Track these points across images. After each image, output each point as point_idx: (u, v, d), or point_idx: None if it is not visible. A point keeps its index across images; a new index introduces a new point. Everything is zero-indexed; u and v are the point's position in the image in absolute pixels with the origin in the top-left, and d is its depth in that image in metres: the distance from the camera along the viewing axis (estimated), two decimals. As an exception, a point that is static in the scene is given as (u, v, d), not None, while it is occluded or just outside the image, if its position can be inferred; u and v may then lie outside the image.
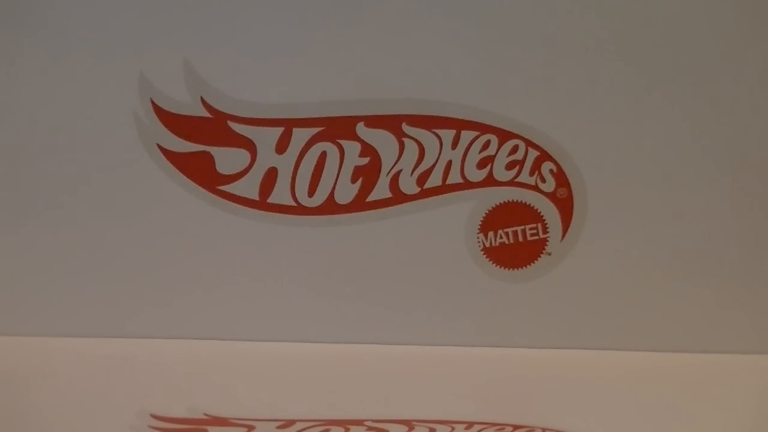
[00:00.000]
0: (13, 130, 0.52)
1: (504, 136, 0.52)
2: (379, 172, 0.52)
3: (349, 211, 0.53)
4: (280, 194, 0.53)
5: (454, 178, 0.53)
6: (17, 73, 0.51)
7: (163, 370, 0.53)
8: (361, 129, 0.52)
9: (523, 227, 0.54)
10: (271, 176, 0.52)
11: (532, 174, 0.52)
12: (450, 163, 0.52)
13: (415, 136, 0.52)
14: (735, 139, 0.52)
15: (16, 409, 0.49)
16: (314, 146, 0.52)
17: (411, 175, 0.53)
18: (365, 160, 0.52)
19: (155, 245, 0.54)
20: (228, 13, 0.50)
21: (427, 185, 0.53)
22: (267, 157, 0.52)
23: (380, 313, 0.55)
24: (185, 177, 0.52)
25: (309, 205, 0.53)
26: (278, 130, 0.52)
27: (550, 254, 0.54)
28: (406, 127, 0.52)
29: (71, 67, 0.51)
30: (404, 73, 0.51)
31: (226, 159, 0.52)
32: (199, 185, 0.53)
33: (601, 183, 0.53)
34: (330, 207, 0.53)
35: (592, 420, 0.49)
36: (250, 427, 0.46)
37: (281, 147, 0.52)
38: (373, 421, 0.47)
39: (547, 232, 0.54)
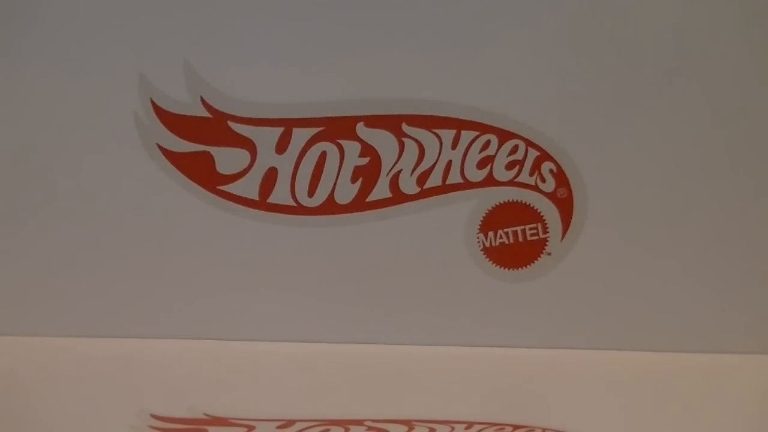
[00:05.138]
0: (13, 130, 0.52)
1: (504, 136, 0.52)
2: (379, 172, 0.52)
3: (349, 211, 0.53)
4: (280, 194, 0.53)
5: (454, 178, 0.53)
6: (17, 73, 0.51)
7: (163, 370, 0.53)
8: (361, 129, 0.52)
9: (523, 227, 0.54)
10: (271, 176, 0.52)
11: (532, 174, 0.52)
12: (450, 163, 0.52)
13: (415, 136, 0.52)
14: (735, 139, 0.52)
15: (16, 409, 0.49)
16: (314, 146, 0.52)
17: (411, 175, 0.53)
18: (365, 160, 0.52)
19: (155, 245, 0.54)
20: (228, 13, 0.50)
21: (427, 185, 0.53)
22: (267, 157, 0.52)
23: (380, 313, 0.55)
24: (185, 177, 0.52)
25: (309, 205, 0.53)
26: (278, 130, 0.52)
27: (550, 254, 0.54)
28: (406, 127, 0.52)
29: (71, 67, 0.51)
30: (404, 73, 0.51)
31: (226, 159, 0.52)
32: (199, 185, 0.53)
33: (601, 183, 0.53)
34: (330, 207, 0.53)
35: (592, 420, 0.49)
36: (250, 427, 0.46)
37: (281, 147, 0.52)
38: (373, 421, 0.47)
39: (547, 232, 0.54)
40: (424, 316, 0.55)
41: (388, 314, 0.55)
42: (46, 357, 0.54)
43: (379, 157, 0.52)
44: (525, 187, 0.53)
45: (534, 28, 0.50)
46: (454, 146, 0.52)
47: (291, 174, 0.52)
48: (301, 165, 0.52)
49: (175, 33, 0.50)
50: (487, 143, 0.52)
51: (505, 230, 0.54)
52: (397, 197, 0.53)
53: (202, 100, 0.51)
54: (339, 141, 0.52)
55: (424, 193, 0.53)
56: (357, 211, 0.53)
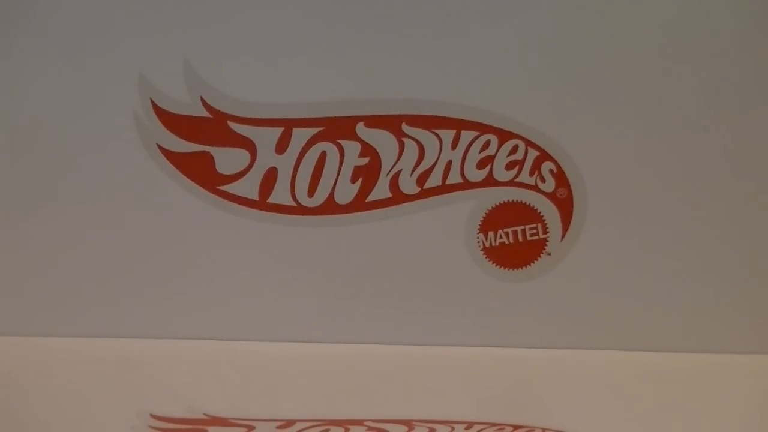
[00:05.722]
0: (13, 130, 0.52)
1: (504, 136, 0.52)
2: (379, 172, 0.52)
3: (349, 211, 0.53)
4: (280, 194, 0.53)
5: (454, 178, 0.53)
6: (18, 73, 0.51)
7: (163, 370, 0.53)
8: (361, 129, 0.52)
9: (523, 227, 0.54)
10: (271, 176, 0.52)
11: (532, 174, 0.52)
12: (450, 163, 0.52)
13: (415, 136, 0.52)
14: (734, 139, 0.52)
15: (16, 409, 0.49)
16: (314, 146, 0.52)
17: (411, 175, 0.53)
18: (365, 160, 0.52)
19: (155, 245, 0.54)
20: (228, 13, 0.50)
21: (427, 185, 0.53)
22: (267, 157, 0.52)
23: (380, 313, 0.55)
24: (185, 177, 0.52)
25: (309, 205, 0.53)
26: (278, 130, 0.52)
27: (550, 254, 0.54)
28: (406, 127, 0.52)
29: (71, 67, 0.51)
30: (404, 73, 0.51)
31: (226, 159, 0.52)
32: (199, 185, 0.53)
33: (601, 183, 0.53)
34: (330, 207, 0.53)
35: (592, 420, 0.49)
36: (250, 427, 0.46)
37: (281, 147, 0.52)
38: (373, 421, 0.47)
39: (547, 232, 0.54)
40: (424, 316, 0.55)
41: (388, 314, 0.55)
42: (46, 357, 0.54)
43: (379, 157, 0.52)
44: (525, 187, 0.53)
45: (534, 28, 0.50)
46: (454, 146, 0.52)
47: (291, 174, 0.52)
48: (301, 165, 0.52)
49: (175, 33, 0.50)
50: (487, 143, 0.52)
51: (505, 230, 0.54)
52: (397, 197, 0.53)
53: (202, 100, 0.51)
54: (339, 141, 0.52)
55: (424, 193, 0.53)
56: (357, 211, 0.53)
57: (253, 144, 0.52)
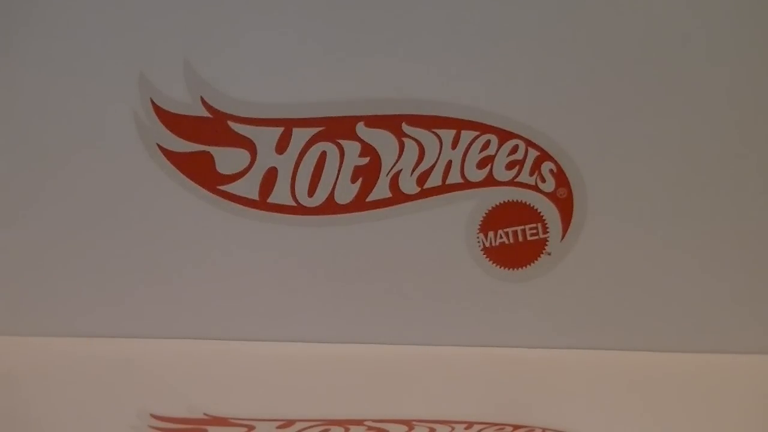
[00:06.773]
0: (13, 129, 0.52)
1: (504, 136, 0.52)
2: (379, 172, 0.52)
3: (349, 211, 0.53)
4: (280, 194, 0.53)
5: (454, 178, 0.53)
6: (17, 73, 0.51)
7: (163, 370, 0.53)
8: (361, 129, 0.52)
9: (523, 227, 0.54)
10: (271, 176, 0.52)
11: (532, 174, 0.52)
12: (450, 163, 0.52)
13: (415, 136, 0.52)
14: (735, 139, 0.52)
15: (16, 409, 0.49)
16: (314, 146, 0.52)
17: (411, 175, 0.53)
18: (365, 160, 0.52)
19: (155, 245, 0.54)
20: (228, 13, 0.50)
21: (427, 185, 0.53)
22: (267, 157, 0.52)
23: (380, 313, 0.55)
24: (185, 177, 0.52)
25: (309, 205, 0.53)
26: (278, 130, 0.52)
27: (550, 254, 0.54)
28: (406, 127, 0.52)
29: (71, 67, 0.51)
30: (404, 73, 0.51)
31: (226, 159, 0.52)
32: (199, 185, 0.53)
33: (601, 183, 0.53)
34: (330, 207, 0.53)
35: (592, 420, 0.49)
36: (250, 427, 0.46)
37: (281, 147, 0.52)
38: (373, 421, 0.47)
39: (547, 232, 0.54)
40: (424, 316, 0.55)
41: (388, 314, 0.55)
42: (46, 357, 0.54)
43: (379, 157, 0.52)
44: (525, 187, 0.53)
45: (534, 28, 0.50)
46: (454, 146, 0.52)
47: (291, 174, 0.52)
48: (301, 165, 0.52)
49: (175, 33, 0.50)
50: (487, 143, 0.52)
51: (505, 230, 0.54)
52: (397, 197, 0.53)
53: (202, 100, 0.51)
54: (339, 141, 0.52)
55: (424, 193, 0.53)
56: (357, 211, 0.53)
57: (253, 144, 0.52)
